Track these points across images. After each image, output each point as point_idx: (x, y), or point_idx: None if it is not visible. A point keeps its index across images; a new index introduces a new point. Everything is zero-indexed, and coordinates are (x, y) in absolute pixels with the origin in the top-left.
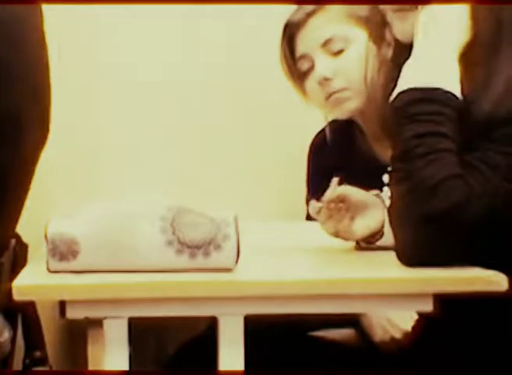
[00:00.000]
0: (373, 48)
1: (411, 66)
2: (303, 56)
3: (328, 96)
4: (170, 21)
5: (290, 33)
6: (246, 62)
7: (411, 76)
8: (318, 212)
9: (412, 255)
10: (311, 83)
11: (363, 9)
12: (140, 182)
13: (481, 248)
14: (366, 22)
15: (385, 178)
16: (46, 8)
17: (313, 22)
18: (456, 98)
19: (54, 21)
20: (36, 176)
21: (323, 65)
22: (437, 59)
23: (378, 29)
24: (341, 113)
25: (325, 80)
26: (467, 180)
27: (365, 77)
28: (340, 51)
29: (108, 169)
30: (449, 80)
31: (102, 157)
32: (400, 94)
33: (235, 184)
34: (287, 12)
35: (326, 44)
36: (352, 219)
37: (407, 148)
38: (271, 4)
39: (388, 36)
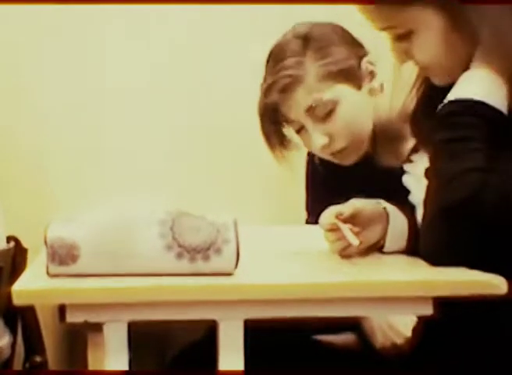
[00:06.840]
0: (360, 92)
1: (467, 79)
2: (293, 121)
3: (331, 155)
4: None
5: (271, 113)
6: (249, 67)
7: (462, 89)
8: (329, 230)
9: (430, 250)
10: (309, 142)
11: (334, 64)
12: (139, 187)
13: (490, 246)
14: (342, 74)
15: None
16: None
17: (290, 99)
18: (501, 114)
19: (53, 23)
20: (36, 181)
21: (317, 136)
22: (488, 77)
23: (356, 72)
24: (347, 163)
25: (323, 148)
26: (485, 175)
27: (364, 125)
28: (330, 112)
29: (107, 175)
30: (496, 97)
31: (102, 162)
32: (448, 103)
33: (234, 188)
34: (257, 95)
35: (310, 110)
36: (360, 245)
37: (436, 149)
38: (270, 4)
39: (370, 67)
